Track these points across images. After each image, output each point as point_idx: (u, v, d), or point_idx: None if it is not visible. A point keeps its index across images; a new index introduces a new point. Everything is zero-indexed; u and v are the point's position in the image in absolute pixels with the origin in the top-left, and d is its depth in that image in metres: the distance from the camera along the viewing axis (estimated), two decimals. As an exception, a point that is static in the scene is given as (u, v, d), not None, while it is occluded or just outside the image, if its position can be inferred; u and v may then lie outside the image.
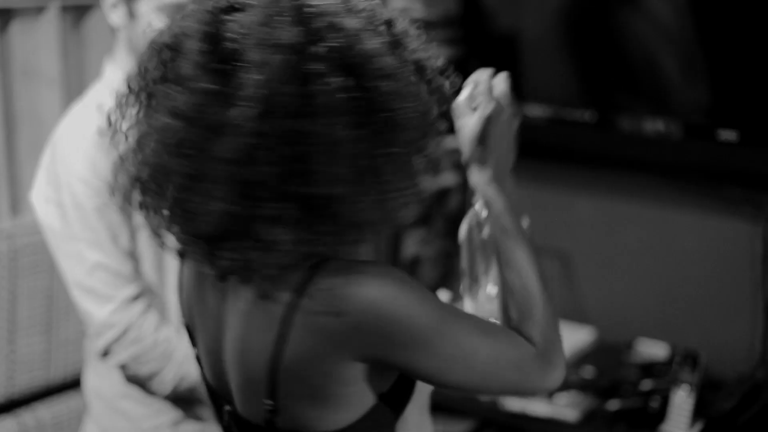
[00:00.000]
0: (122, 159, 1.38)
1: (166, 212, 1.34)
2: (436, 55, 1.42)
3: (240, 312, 1.40)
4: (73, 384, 2.77)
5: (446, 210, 3.04)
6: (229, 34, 1.28)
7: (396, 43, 1.34)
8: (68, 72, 2.90)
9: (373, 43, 1.30)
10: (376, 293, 1.32)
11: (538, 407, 2.65)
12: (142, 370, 2.12)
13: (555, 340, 1.45)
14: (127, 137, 1.37)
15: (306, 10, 1.29)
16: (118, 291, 2.08)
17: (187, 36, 1.32)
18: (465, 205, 3.08)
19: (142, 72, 1.37)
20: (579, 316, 3.10)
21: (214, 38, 1.30)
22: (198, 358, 1.54)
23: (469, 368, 1.39)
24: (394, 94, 1.30)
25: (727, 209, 2.79)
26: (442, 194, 3.01)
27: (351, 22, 1.30)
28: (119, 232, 2.10)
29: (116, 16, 2.16)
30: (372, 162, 1.29)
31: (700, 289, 2.89)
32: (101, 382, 2.22)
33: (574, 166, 3.07)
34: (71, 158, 2.13)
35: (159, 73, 1.34)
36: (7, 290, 2.71)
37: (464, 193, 3.09)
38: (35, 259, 2.74)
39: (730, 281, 2.84)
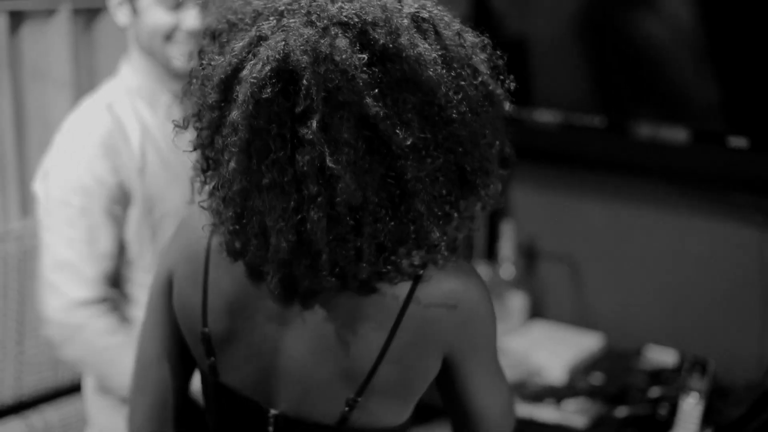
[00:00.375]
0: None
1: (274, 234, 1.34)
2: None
3: (320, 317, 1.42)
4: (81, 386, 2.77)
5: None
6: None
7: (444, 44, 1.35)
8: (79, 74, 2.91)
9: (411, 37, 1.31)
10: (481, 293, 1.43)
11: (546, 413, 2.64)
12: (90, 372, 2.16)
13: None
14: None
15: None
16: (75, 292, 2.10)
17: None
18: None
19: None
20: (588, 323, 3.10)
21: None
22: (214, 367, 1.53)
23: (500, 396, 1.53)
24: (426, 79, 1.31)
25: (737, 216, 2.78)
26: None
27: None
28: (99, 234, 2.12)
29: (122, 14, 2.19)
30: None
31: (709, 296, 2.89)
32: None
33: (584, 172, 3.06)
34: (71, 153, 2.15)
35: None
36: (17, 291, 2.72)
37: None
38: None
39: (739, 288, 2.83)
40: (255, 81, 1.27)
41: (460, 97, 1.32)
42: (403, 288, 1.38)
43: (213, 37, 1.44)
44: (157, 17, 2.14)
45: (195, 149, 1.45)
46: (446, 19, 1.39)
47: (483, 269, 3.08)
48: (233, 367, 1.51)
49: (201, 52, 1.46)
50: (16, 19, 3.17)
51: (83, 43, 2.93)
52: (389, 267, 1.36)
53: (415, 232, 1.34)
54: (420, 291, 1.38)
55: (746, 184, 2.70)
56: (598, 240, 3.08)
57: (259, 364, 1.48)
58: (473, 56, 1.38)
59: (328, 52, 1.26)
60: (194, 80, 1.43)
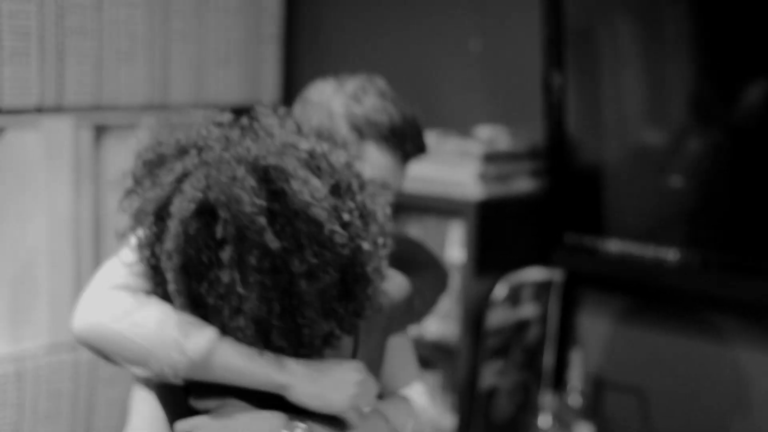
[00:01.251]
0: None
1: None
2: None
3: None
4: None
5: (525, 342, 3.03)
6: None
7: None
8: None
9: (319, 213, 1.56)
10: None
11: None
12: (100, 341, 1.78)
13: None
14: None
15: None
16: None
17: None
18: (544, 337, 3.07)
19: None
20: (656, 457, 3.04)
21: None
22: None
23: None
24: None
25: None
26: (521, 326, 2.99)
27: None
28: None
29: None
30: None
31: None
32: None
33: (655, 303, 3.05)
34: None
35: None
36: (86, 401, 2.75)
37: (543, 324, 3.08)
38: (115, 371, 2.77)
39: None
40: (183, 218, 1.54)
41: (344, 224, 1.59)
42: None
43: (145, 166, 1.65)
44: None
45: (136, 256, 1.67)
46: (337, 151, 1.66)
47: (550, 398, 3.05)
48: None
49: (135, 179, 1.67)
50: (101, 132, 3.27)
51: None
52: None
53: (308, 329, 1.62)
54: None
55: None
56: (667, 372, 3.05)
57: None
58: (355, 180, 1.65)
59: (237, 196, 1.52)
60: (130, 201, 1.66)
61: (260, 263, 1.55)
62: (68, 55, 3.08)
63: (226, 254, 1.54)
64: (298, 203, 1.54)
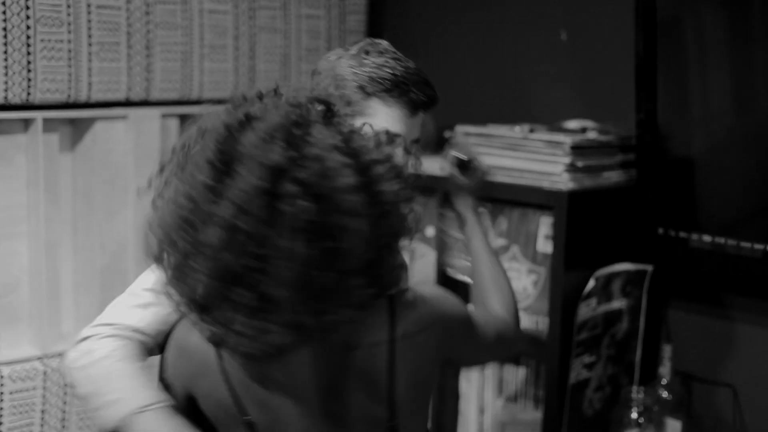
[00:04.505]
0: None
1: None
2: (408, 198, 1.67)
3: (326, 371, 1.68)
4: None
5: (615, 336, 3.00)
6: (234, 145, 1.53)
7: (369, 184, 1.57)
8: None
9: (346, 180, 1.53)
10: (440, 299, 1.84)
11: None
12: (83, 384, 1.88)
13: (515, 308, 2.19)
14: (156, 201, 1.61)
15: (301, 136, 1.54)
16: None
17: (208, 131, 1.57)
18: (634, 331, 3.04)
19: (178, 149, 1.61)
20: (747, 454, 3.00)
21: (225, 142, 1.53)
22: None
23: (489, 349, 2.06)
24: (348, 229, 1.52)
25: None
26: (612, 320, 2.97)
27: (335, 157, 1.53)
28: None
29: None
30: (314, 279, 1.52)
31: None
32: None
33: (745, 298, 3.00)
34: None
35: (185, 156, 1.58)
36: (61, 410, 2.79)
37: (634, 318, 3.05)
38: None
39: None
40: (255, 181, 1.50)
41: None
42: (382, 333, 1.70)
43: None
44: None
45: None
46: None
47: (639, 393, 3.01)
48: None
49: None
50: (186, 122, 3.29)
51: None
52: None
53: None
54: (399, 329, 1.71)
55: None
56: (759, 368, 3.00)
57: (309, 423, 1.71)
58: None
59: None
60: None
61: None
62: (156, 49, 3.11)
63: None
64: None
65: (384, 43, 2.11)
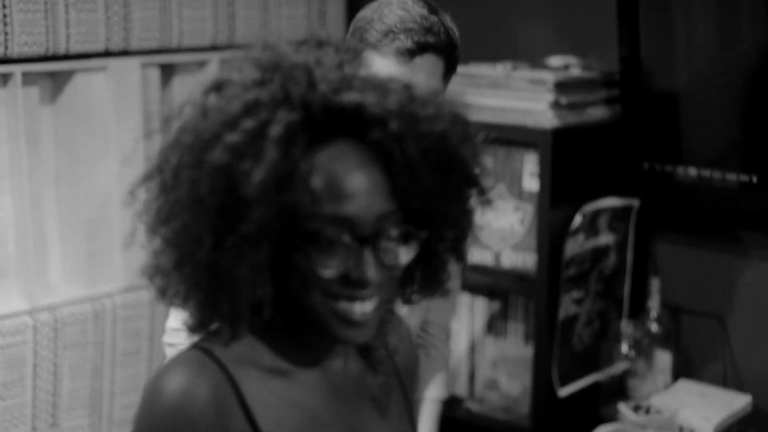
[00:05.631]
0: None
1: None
2: None
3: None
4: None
5: (602, 270, 3.01)
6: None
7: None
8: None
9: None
10: None
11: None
12: None
13: None
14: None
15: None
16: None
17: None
18: (622, 266, 3.05)
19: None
20: (735, 384, 3.02)
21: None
22: None
23: None
24: None
25: None
26: (599, 255, 2.97)
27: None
28: None
29: None
30: None
31: None
32: None
33: (732, 229, 3.01)
34: None
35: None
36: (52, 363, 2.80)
37: (621, 253, 3.06)
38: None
39: None
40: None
41: None
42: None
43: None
44: None
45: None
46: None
47: (628, 326, 3.03)
48: None
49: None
50: (168, 71, 3.27)
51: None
52: None
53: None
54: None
55: None
56: (746, 298, 3.02)
57: None
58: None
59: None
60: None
61: None
62: (133, -2, 3.08)
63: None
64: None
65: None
